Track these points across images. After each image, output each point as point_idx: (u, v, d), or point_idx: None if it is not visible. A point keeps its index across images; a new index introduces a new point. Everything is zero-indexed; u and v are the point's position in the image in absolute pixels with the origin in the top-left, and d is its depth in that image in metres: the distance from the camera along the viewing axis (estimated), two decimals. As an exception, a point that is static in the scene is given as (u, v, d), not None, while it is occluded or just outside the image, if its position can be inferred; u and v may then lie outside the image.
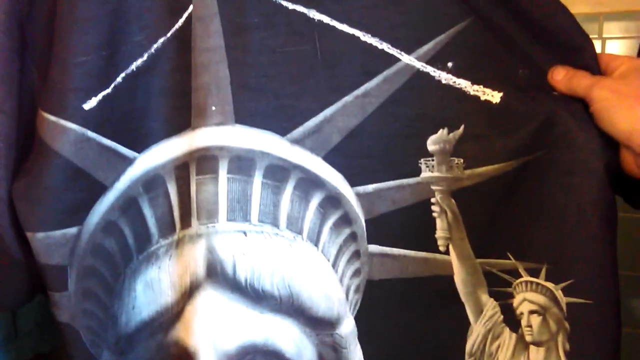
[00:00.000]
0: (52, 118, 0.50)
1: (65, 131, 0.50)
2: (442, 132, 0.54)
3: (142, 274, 0.55)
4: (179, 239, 0.54)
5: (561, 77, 0.52)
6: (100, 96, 0.51)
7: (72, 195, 0.52)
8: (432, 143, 0.54)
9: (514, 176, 0.54)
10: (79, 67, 0.50)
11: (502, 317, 0.56)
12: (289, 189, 0.54)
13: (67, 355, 0.56)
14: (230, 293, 0.53)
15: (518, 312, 0.56)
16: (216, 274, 0.53)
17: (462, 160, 0.54)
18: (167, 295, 0.55)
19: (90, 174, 0.52)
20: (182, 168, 0.54)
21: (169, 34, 0.53)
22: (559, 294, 0.55)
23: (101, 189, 0.53)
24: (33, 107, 0.53)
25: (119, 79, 0.52)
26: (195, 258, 0.53)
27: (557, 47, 0.52)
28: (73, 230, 0.53)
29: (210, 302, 0.53)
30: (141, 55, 0.53)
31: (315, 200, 0.54)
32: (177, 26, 0.53)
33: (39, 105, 0.51)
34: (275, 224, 0.54)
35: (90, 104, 0.51)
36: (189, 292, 0.53)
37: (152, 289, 0.55)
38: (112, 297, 0.55)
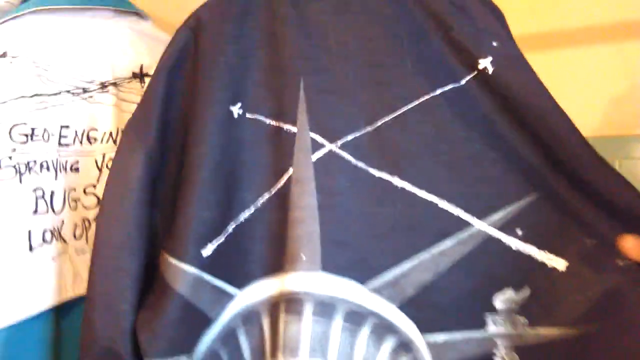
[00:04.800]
0: (175, 262, 0.60)
1: (185, 274, 0.60)
2: (509, 292, 0.59)
3: None
4: None
5: (631, 244, 0.55)
6: (215, 244, 0.61)
7: (186, 328, 0.61)
8: (499, 301, 0.59)
9: (576, 342, 0.57)
10: (201, 220, 0.60)
11: None
12: (364, 332, 0.60)
13: None
14: None
15: None
16: None
17: (526, 320, 0.59)
18: None
19: (202, 310, 0.61)
20: (275, 306, 0.61)
21: (272, 192, 0.63)
22: None
23: (208, 322, 0.62)
24: (154, 247, 0.63)
25: (229, 229, 0.62)
26: None
27: (621, 217, 0.56)
28: (183, 358, 0.61)
29: None
30: (248, 208, 0.62)
31: (388, 344, 0.60)
32: (279, 185, 0.62)
33: (163, 249, 0.61)
34: None
35: (207, 251, 0.61)
36: None
37: None
38: None
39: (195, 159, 0.62)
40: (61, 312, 0.79)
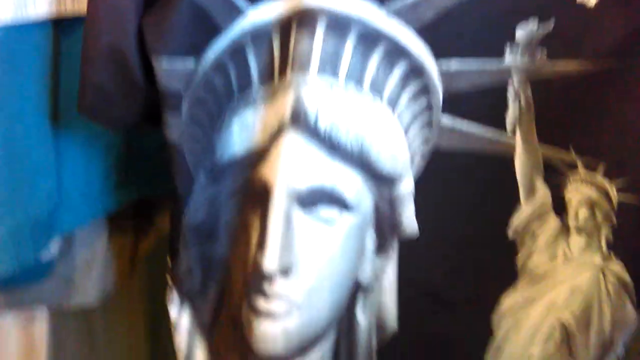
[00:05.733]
0: None
1: None
2: (532, 23, 0.56)
3: (239, 114, 0.61)
4: (275, 87, 0.60)
5: None
6: None
7: (195, 32, 0.58)
8: (521, 31, 0.57)
9: (592, 76, 0.56)
10: None
11: (551, 202, 0.61)
12: (377, 55, 0.58)
13: (172, 172, 0.64)
14: (310, 139, 0.59)
15: (567, 200, 0.61)
16: (299, 120, 0.58)
17: (545, 52, 0.57)
18: (258, 137, 0.61)
19: (212, 16, 0.58)
20: (286, 24, 0.58)
21: None
22: (612, 191, 0.59)
23: (217, 31, 0.59)
24: None
25: None
26: (284, 104, 0.59)
27: None
28: (191, 62, 0.59)
29: (291, 144, 0.59)
30: None
31: (400, 68, 0.59)
32: None
33: None
34: (359, 84, 0.59)
35: None
36: (275, 135, 0.60)
37: (247, 129, 0.61)
38: (214, 128, 0.62)
39: None
40: (60, 31, 0.75)
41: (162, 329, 0.83)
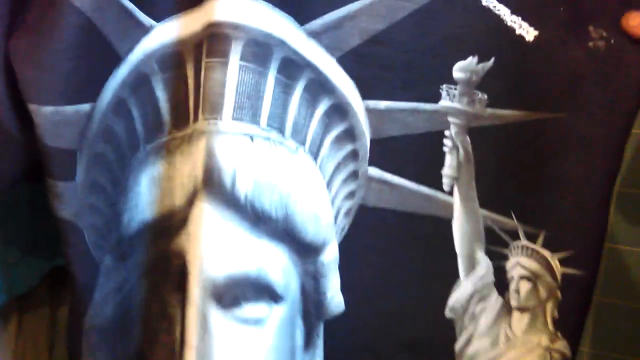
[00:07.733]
0: None
1: None
2: (471, 60, 0.50)
3: (148, 168, 0.50)
4: (191, 132, 0.49)
5: (637, 22, 0.48)
6: None
7: (88, 64, 0.47)
8: (459, 70, 0.50)
9: (533, 129, 0.50)
10: None
11: (493, 279, 0.53)
12: (299, 89, 0.50)
13: (66, 258, 0.51)
14: (227, 210, 0.48)
15: (509, 275, 0.53)
16: (213, 183, 0.47)
17: (485, 96, 0.50)
18: (173, 197, 0.49)
19: (107, 38, 0.48)
20: (199, 46, 0.48)
21: None
22: (554, 263, 0.52)
23: (116, 60, 0.48)
24: None
25: None
26: (195, 160, 0.48)
27: None
28: (86, 107, 0.48)
29: (205, 218, 0.47)
30: None
31: (322, 106, 0.50)
32: None
33: None
34: (281, 130, 0.49)
35: None
36: (191, 198, 0.48)
37: (158, 186, 0.49)
38: (118, 191, 0.50)
39: None
40: None
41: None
